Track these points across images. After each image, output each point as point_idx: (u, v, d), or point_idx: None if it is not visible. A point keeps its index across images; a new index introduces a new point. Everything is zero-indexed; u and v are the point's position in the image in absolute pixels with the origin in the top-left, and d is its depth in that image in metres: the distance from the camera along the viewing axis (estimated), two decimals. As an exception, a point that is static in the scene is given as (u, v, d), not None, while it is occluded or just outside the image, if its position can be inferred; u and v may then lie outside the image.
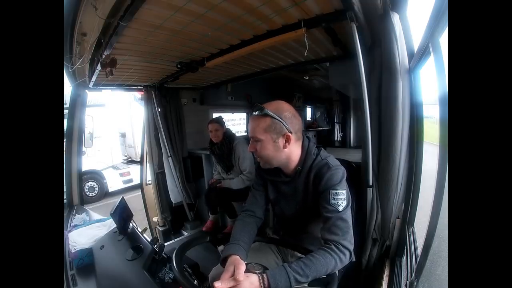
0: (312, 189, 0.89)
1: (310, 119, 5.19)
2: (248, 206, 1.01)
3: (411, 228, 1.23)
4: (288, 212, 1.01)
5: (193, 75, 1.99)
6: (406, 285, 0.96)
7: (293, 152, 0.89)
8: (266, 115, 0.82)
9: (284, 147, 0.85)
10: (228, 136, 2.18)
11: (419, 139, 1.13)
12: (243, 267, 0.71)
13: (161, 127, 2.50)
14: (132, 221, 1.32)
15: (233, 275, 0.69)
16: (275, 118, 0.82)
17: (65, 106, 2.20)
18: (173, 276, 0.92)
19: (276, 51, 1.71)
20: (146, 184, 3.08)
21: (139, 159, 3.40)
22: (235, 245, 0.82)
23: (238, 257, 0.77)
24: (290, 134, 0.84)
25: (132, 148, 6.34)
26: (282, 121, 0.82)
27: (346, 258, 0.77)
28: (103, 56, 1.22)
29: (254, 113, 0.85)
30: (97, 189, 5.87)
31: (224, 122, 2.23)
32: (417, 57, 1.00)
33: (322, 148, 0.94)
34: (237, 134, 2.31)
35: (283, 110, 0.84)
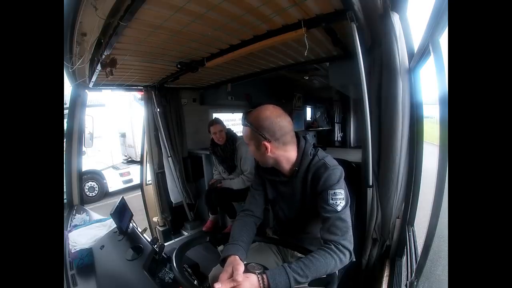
0: (310, 189, 0.89)
1: (310, 119, 5.19)
2: (247, 206, 1.01)
3: (411, 228, 1.23)
4: (287, 212, 1.01)
5: (193, 75, 1.99)
6: (406, 285, 0.96)
7: (281, 156, 0.89)
8: (246, 125, 0.87)
9: (268, 152, 0.86)
10: (231, 137, 2.18)
11: (419, 139, 1.13)
12: (241, 267, 0.71)
13: (161, 127, 2.50)
14: (132, 221, 1.32)
15: (231, 275, 0.69)
16: (253, 129, 0.85)
17: (65, 106, 2.20)
18: (173, 276, 0.92)
19: (276, 51, 1.71)
20: (146, 184, 3.08)
21: (139, 159, 3.40)
22: (234, 245, 0.82)
23: (237, 257, 0.77)
24: (267, 143, 0.85)
25: (132, 148, 6.33)
26: (258, 132, 0.84)
27: (346, 258, 0.77)
28: (103, 56, 1.22)
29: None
30: (97, 189, 5.87)
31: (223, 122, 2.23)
32: (417, 57, 1.00)
33: (320, 148, 0.94)
34: (237, 134, 2.31)
35: (261, 120, 0.85)
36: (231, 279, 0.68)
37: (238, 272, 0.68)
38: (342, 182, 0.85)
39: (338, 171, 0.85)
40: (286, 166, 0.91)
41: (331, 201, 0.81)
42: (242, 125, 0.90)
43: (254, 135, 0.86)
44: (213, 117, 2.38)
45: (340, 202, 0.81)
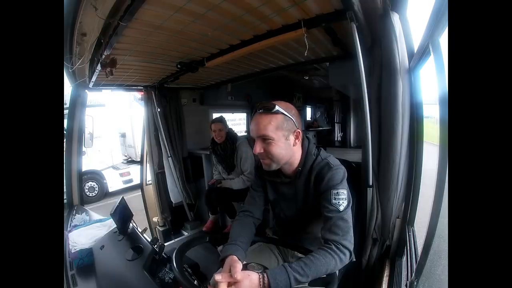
0: (313, 189, 0.89)
1: (310, 119, 5.19)
2: (246, 206, 1.01)
3: (411, 228, 1.23)
4: (288, 213, 1.01)
5: (193, 75, 1.99)
6: (406, 285, 0.96)
7: (296, 151, 0.89)
8: (278, 112, 0.81)
9: (294, 144, 0.86)
10: (231, 136, 2.18)
11: (419, 139, 1.13)
12: (239, 265, 0.72)
13: (161, 127, 2.50)
14: (132, 221, 1.32)
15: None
16: (286, 115, 0.82)
17: (65, 106, 2.20)
18: (173, 276, 0.92)
19: (276, 51, 1.70)
20: (146, 184, 3.08)
21: (139, 159, 3.40)
22: (232, 245, 0.82)
23: (235, 257, 0.77)
24: (300, 131, 0.85)
25: (132, 148, 6.33)
26: (293, 118, 0.83)
27: (346, 258, 0.77)
28: (103, 56, 1.22)
29: (259, 110, 0.83)
30: (97, 189, 5.87)
31: (226, 122, 2.24)
32: (417, 57, 1.00)
33: (322, 148, 0.94)
34: (238, 134, 2.31)
35: (290, 108, 0.85)
36: (230, 273, 0.69)
37: (236, 270, 0.69)
38: (345, 182, 0.85)
39: (341, 171, 0.85)
40: (293, 165, 0.91)
41: (333, 201, 0.81)
42: (270, 112, 0.80)
43: (287, 123, 0.82)
44: (213, 117, 2.38)
45: (343, 202, 0.81)
